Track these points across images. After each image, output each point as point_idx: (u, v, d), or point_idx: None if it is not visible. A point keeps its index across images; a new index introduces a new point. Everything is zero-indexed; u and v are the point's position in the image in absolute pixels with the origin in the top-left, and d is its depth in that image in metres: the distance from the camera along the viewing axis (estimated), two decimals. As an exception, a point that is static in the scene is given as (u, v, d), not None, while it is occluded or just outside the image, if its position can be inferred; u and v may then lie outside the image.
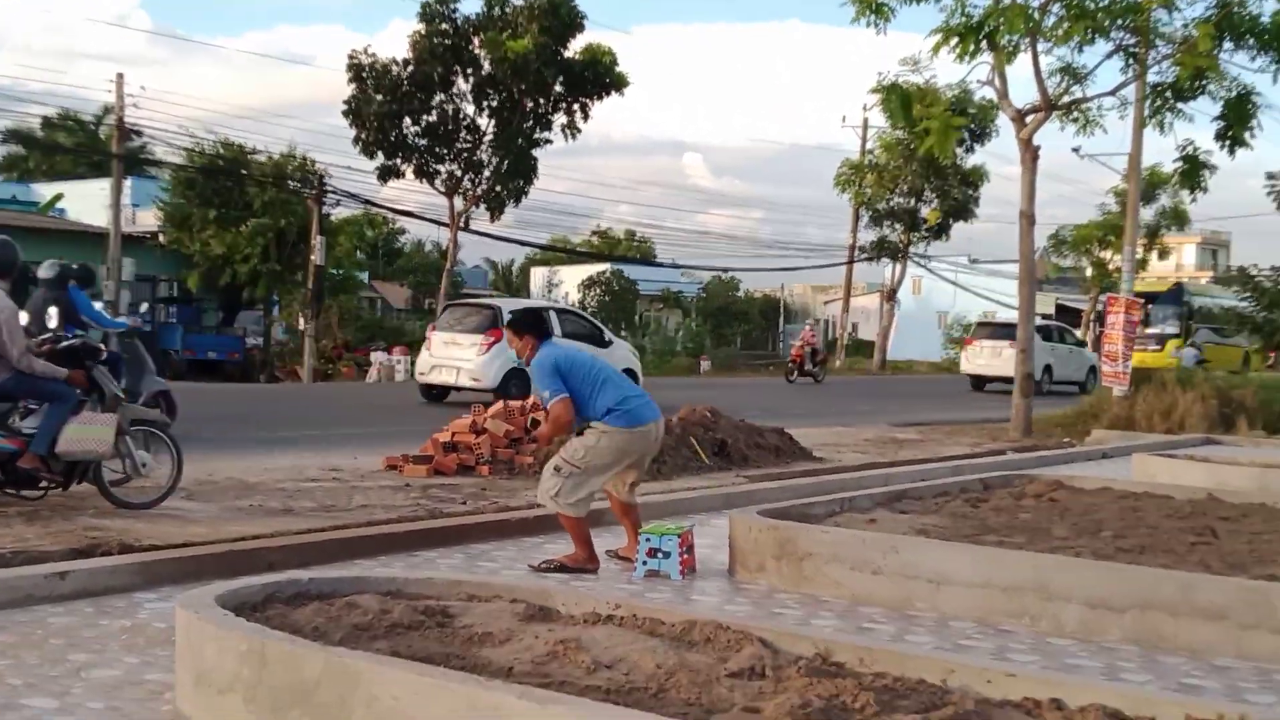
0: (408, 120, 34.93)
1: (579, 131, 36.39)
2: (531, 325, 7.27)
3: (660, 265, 60.93)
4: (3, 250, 7.91)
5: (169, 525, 7.37)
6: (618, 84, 35.93)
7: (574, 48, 35.38)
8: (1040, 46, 16.27)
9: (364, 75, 34.03)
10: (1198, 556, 6.60)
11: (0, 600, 5.64)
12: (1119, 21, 15.83)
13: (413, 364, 32.62)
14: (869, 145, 46.12)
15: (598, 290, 64.16)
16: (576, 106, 36.14)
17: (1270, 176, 36.57)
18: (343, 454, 11.57)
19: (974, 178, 45.07)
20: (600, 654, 4.27)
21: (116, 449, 7.83)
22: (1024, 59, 16.18)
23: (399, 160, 35.23)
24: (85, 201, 38.89)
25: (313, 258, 32.46)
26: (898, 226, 45.97)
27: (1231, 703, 4.69)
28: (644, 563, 6.91)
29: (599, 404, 6.94)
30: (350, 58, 34.04)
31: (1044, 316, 53.18)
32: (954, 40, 15.05)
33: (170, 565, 6.39)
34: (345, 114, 34.10)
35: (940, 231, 46.33)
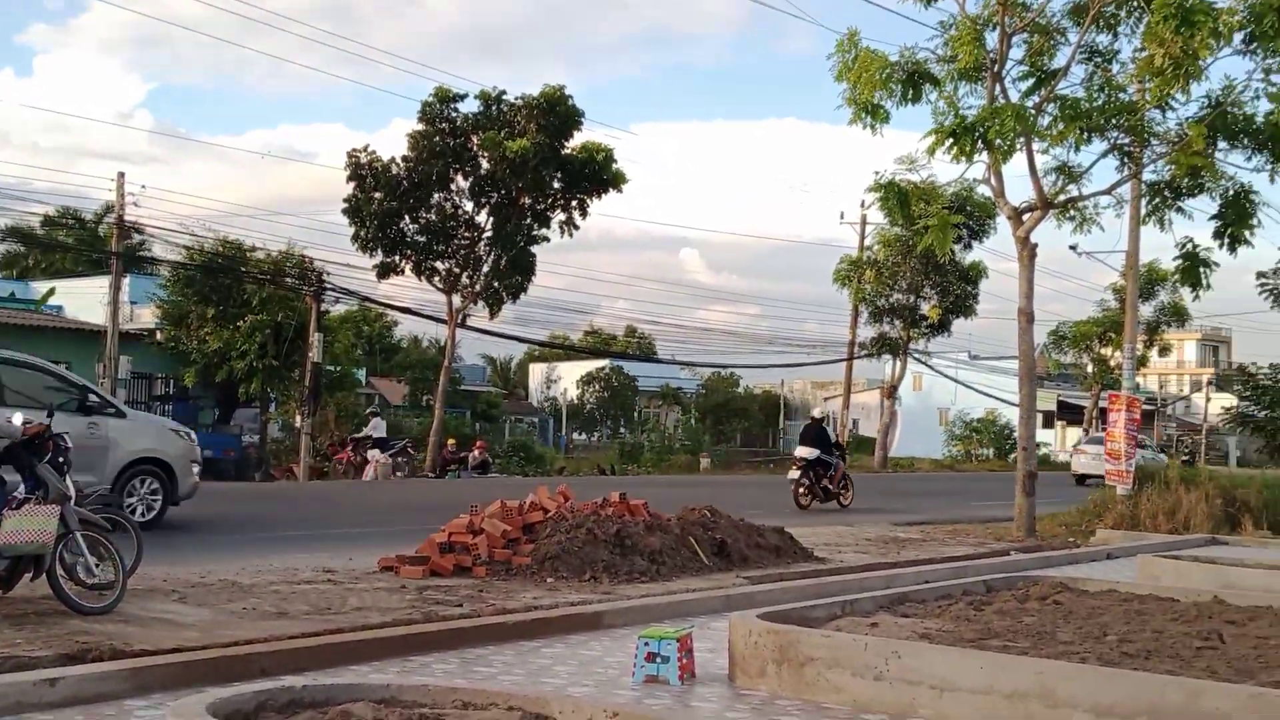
0: (406, 218, 35.30)
1: (577, 228, 36.80)
2: None
3: (659, 361, 61.12)
4: None
5: (161, 630, 7.26)
6: (615, 181, 36.38)
7: (572, 145, 35.88)
8: (1036, 145, 16.47)
9: (363, 174, 34.48)
10: (1204, 662, 6.50)
11: (-12, 708, 5.54)
12: (1113, 121, 16.01)
13: (420, 462, 32.66)
14: (868, 241, 46.57)
15: (597, 386, 64.25)
16: (574, 203, 36.55)
17: (1260, 275, 36.91)
18: (337, 554, 11.46)
19: (973, 274, 45.41)
20: (597, 765, 4.19)
21: (64, 550, 7.68)
22: (1020, 157, 16.37)
23: (398, 257, 35.55)
24: (84, 299, 39.04)
25: (310, 354, 32.54)
26: (897, 323, 46.18)
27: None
28: (642, 667, 6.80)
29: None
30: (350, 156, 34.54)
31: (1044, 414, 53.37)
32: (949, 140, 15.23)
33: (162, 672, 6.27)
34: (345, 211, 34.48)
35: (940, 328, 46.51)
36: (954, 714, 6.05)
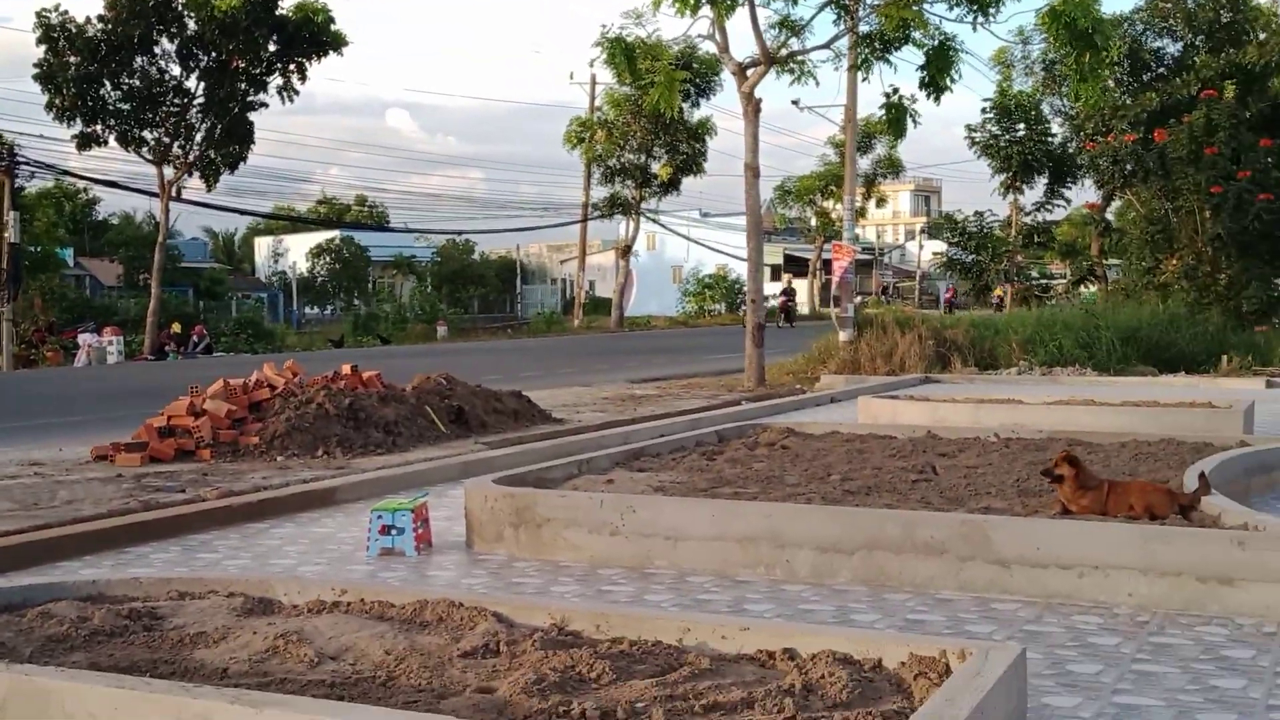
0: (107, 84, 32.84)
1: (296, 93, 35.13)
2: None
3: (391, 230, 59.74)
4: None
5: None
6: (335, 43, 34.82)
7: (286, 5, 34.04)
8: (757, 0, 16.58)
9: (55, 36, 31.76)
10: (919, 494, 6.85)
11: None
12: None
13: (127, 344, 30.36)
14: (598, 102, 46.35)
15: (328, 258, 62.30)
16: (292, 67, 34.80)
17: (969, 128, 38.80)
18: (46, 446, 10.74)
19: (701, 132, 45.96)
20: (325, 645, 4.03)
21: None
22: (743, 13, 16.43)
23: (99, 127, 33.11)
24: None
25: (6, 235, 30.13)
26: (629, 183, 46.46)
27: (953, 636, 4.85)
28: (377, 540, 6.64)
29: None
30: (39, 16, 31.69)
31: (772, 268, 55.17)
32: (674, -8, 15.14)
33: None
34: (36, 78, 31.78)
35: (671, 186, 47.08)
36: (689, 562, 6.17)
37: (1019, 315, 24.43)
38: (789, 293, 52.49)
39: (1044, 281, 40.94)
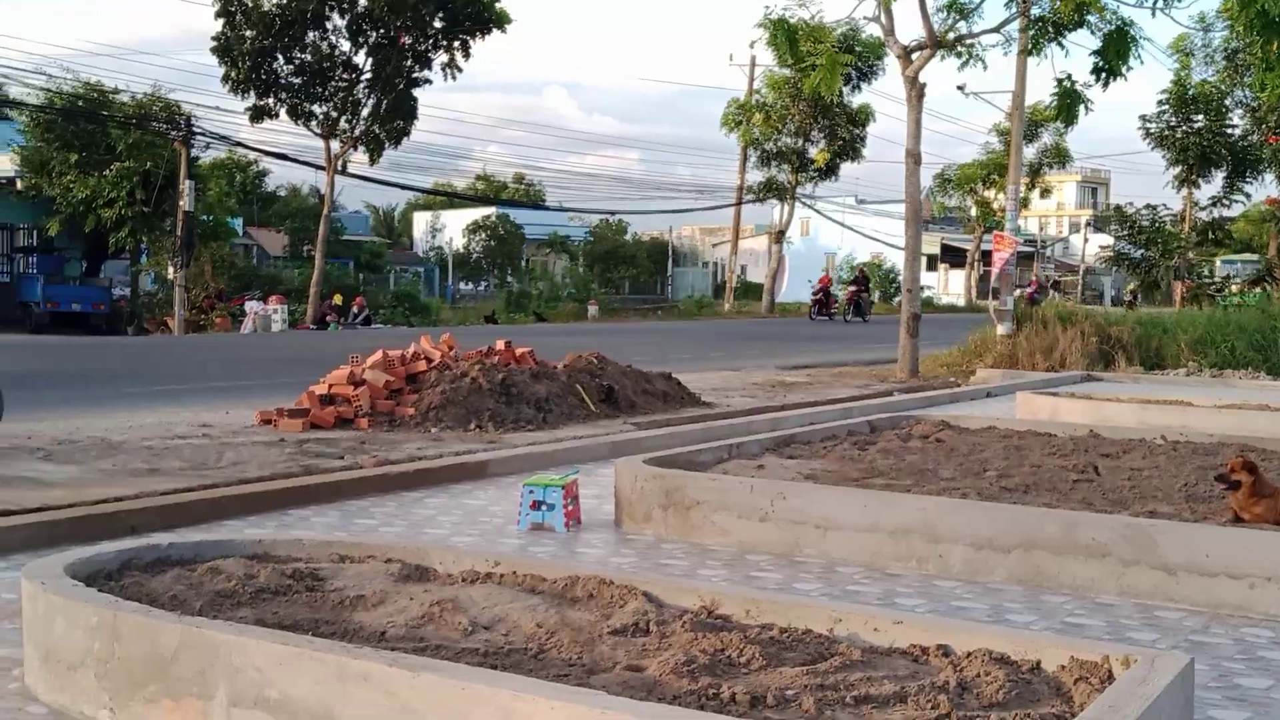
0: (280, 58, 33.93)
1: (460, 70, 35.77)
2: None
3: (546, 208, 60.41)
4: None
5: (25, 489, 6.97)
6: (499, 21, 35.33)
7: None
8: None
9: (233, 10, 32.92)
10: (1080, 494, 6.64)
11: None
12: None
13: (291, 313, 31.28)
14: (756, 84, 46.07)
15: (483, 235, 63.39)
16: (457, 44, 35.44)
17: (1143, 118, 37.49)
18: (214, 409, 11.15)
19: (861, 117, 45.28)
20: (478, 614, 4.09)
21: None
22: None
23: (271, 100, 34.23)
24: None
25: (181, 203, 31.38)
26: (785, 167, 46.05)
27: (1115, 642, 4.69)
28: (527, 515, 6.72)
29: None
30: (219, -11, 32.93)
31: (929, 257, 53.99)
32: (839, -26, 14.95)
33: (23, 532, 6.03)
34: (214, 50, 32.98)
35: (828, 172, 46.52)
36: (838, 552, 6.09)
37: (1189, 314, 23.50)
38: (861, 281, 43.45)
39: (1218, 280, 39.34)
